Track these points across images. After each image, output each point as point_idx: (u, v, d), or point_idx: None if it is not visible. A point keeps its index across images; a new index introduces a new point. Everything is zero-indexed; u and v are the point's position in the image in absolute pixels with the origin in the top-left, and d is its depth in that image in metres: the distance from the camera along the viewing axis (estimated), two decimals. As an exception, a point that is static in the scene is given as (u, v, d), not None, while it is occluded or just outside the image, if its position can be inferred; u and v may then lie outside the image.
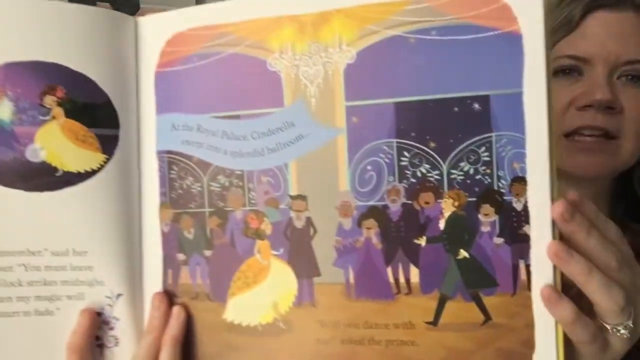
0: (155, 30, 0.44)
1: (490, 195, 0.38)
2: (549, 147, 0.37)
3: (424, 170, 0.40)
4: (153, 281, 0.45)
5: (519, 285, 0.38)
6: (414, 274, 0.40)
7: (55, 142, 0.43)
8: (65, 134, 0.43)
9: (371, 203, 0.41)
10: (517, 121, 0.38)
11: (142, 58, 0.45)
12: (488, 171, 0.38)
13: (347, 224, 0.41)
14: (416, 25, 0.39)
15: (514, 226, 0.38)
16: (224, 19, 0.43)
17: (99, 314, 0.44)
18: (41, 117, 0.43)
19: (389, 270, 0.40)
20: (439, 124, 0.39)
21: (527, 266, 0.38)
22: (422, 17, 0.39)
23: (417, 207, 0.40)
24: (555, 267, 0.37)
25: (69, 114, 0.43)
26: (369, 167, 0.40)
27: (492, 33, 0.38)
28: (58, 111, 0.43)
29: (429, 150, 0.39)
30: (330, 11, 0.40)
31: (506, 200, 0.38)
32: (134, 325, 0.45)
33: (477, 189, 0.39)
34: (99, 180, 0.43)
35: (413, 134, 0.40)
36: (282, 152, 0.42)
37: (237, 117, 0.42)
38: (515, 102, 0.37)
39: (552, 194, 0.37)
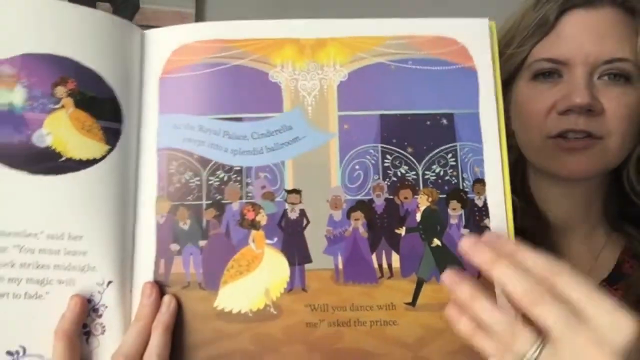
0: (162, 41, 0.49)
1: (457, 193, 0.47)
2: (501, 155, 0.47)
3: (403, 171, 0.47)
4: (144, 271, 0.45)
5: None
6: (395, 259, 0.46)
7: (63, 129, 0.44)
8: (73, 123, 0.45)
9: (359, 197, 0.47)
10: (476, 134, 0.47)
11: (148, 64, 0.48)
12: (455, 173, 0.47)
13: (337, 215, 0.46)
14: (396, 55, 0.48)
15: (477, 219, 0.46)
16: (230, 35, 0.48)
17: (88, 301, 0.44)
18: (51, 106, 0.45)
19: (374, 257, 0.46)
20: (415, 134, 0.47)
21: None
22: (400, 50, 0.49)
23: (398, 202, 0.47)
24: None
25: (78, 104, 0.45)
26: (357, 167, 0.47)
27: (454, 67, 0.48)
28: (68, 101, 0.45)
29: (407, 155, 0.47)
30: (326, 38, 0.48)
31: (470, 197, 0.47)
32: (122, 314, 0.45)
33: (446, 188, 0.47)
34: (100, 169, 0.45)
35: (394, 141, 0.47)
36: (280, 151, 0.47)
37: (239, 119, 0.47)
38: (473, 120, 0.47)
39: (504, 193, 0.46)
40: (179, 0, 1.33)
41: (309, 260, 0.46)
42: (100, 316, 0.44)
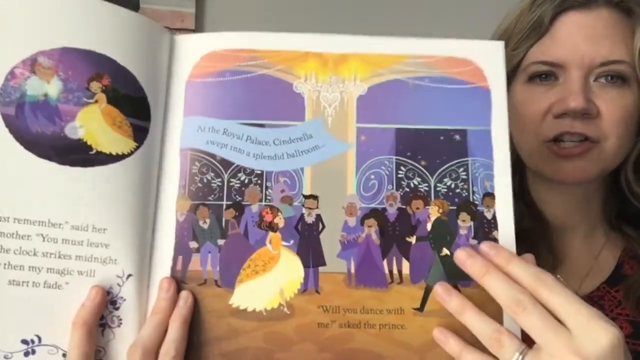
0: (192, 46, 0.51)
1: (467, 206, 0.49)
2: (509, 171, 0.49)
3: (416, 182, 0.49)
4: (162, 266, 0.47)
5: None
6: (405, 266, 0.48)
7: (94, 123, 0.46)
8: (105, 118, 0.46)
9: (373, 205, 0.49)
10: (487, 150, 0.50)
11: (176, 67, 0.50)
12: (465, 187, 0.49)
13: (352, 222, 0.48)
14: (413, 73, 0.51)
15: (485, 231, 0.48)
16: (257, 46, 0.51)
17: (107, 293, 0.45)
18: (85, 99, 0.46)
19: (385, 263, 0.48)
20: (429, 148, 0.50)
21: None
22: (418, 68, 0.51)
23: (410, 212, 0.49)
24: None
25: (111, 100, 0.47)
26: (372, 176, 0.49)
27: (469, 86, 0.51)
28: (101, 96, 0.46)
29: (420, 167, 0.49)
30: (348, 54, 0.51)
31: (479, 210, 0.49)
32: (139, 308, 0.46)
33: (457, 200, 0.49)
34: (127, 164, 0.47)
35: (408, 154, 0.50)
36: (300, 158, 0.49)
37: (262, 125, 0.49)
38: (485, 136, 0.50)
39: (513, 206, 0.49)
40: (179, 0, 1.34)
41: (323, 263, 0.48)
42: (118, 309, 0.46)
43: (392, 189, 0.49)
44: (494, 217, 0.49)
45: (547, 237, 0.69)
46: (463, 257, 0.45)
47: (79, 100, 0.46)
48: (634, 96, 0.63)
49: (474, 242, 0.48)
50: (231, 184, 0.49)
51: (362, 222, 0.48)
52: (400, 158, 0.50)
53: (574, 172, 0.63)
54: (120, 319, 0.46)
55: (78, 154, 0.45)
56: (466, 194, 0.49)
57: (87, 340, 0.44)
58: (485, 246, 0.45)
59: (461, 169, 0.49)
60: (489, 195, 0.49)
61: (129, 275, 0.46)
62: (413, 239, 0.48)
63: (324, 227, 0.48)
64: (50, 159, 0.45)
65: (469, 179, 0.49)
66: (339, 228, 0.48)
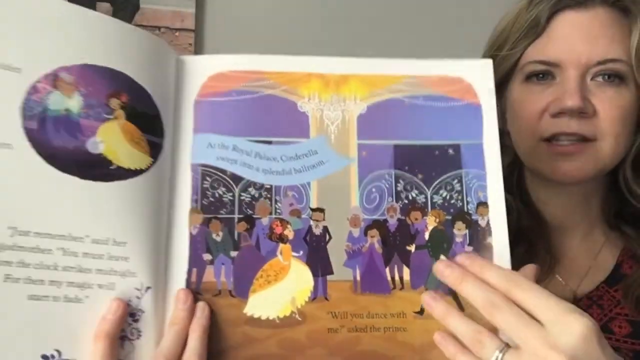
0: (199, 67, 0.53)
1: (462, 215, 0.53)
2: (501, 181, 0.53)
3: (414, 195, 0.53)
4: (177, 278, 0.49)
5: (483, 283, 0.52)
6: (406, 273, 0.52)
7: (114, 139, 0.47)
8: (123, 134, 0.48)
9: (375, 217, 0.52)
10: (479, 162, 0.54)
11: (184, 86, 0.52)
12: (460, 197, 0.53)
13: (356, 232, 0.52)
14: (409, 92, 0.55)
15: (480, 238, 0.52)
16: (262, 67, 0.53)
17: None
18: (105, 115, 0.47)
19: (387, 270, 0.51)
20: (425, 162, 0.54)
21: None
22: (413, 87, 0.55)
23: (409, 222, 0.53)
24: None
25: (129, 117, 0.48)
26: (373, 190, 0.53)
27: (461, 103, 0.55)
28: (120, 113, 0.48)
29: (417, 180, 0.53)
30: (348, 75, 0.54)
31: (474, 219, 0.53)
32: (157, 319, 0.48)
33: (452, 210, 0.53)
34: (144, 179, 0.48)
35: (406, 167, 0.53)
36: (306, 173, 0.52)
37: (269, 142, 0.52)
38: (477, 149, 0.54)
39: (505, 214, 0.53)
40: (179, 0, 1.34)
41: (331, 272, 0.51)
42: (137, 321, 0.47)
43: (392, 201, 0.53)
44: (488, 224, 0.53)
45: (545, 237, 0.69)
46: (441, 268, 0.48)
47: (99, 116, 0.47)
48: (631, 95, 0.63)
49: (470, 248, 0.52)
50: (242, 198, 0.51)
51: (365, 233, 0.52)
52: (399, 172, 0.53)
53: (570, 171, 0.63)
54: (140, 331, 0.47)
55: (99, 169, 0.46)
56: (461, 204, 0.53)
57: (110, 353, 0.44)
58: (460, 257, 0.49)
59: (455, 181, 0.53)
60: (483, 205, 0.53)
61: (148, 288, 0.47)
62: (412, 248, 0.52)
63: (330, 237, 0.52)
64: (71, 173, 0.45)
65: (463, 190, 0.53)
66: (344, 238, 0.52)
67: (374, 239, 0.52)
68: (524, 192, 0.72)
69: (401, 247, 0.52)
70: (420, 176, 0.53)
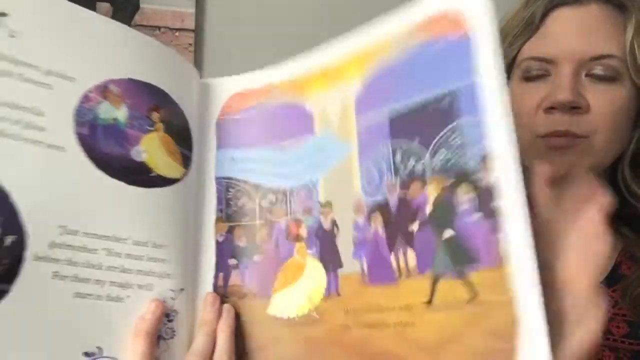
0: (221, 89, 0.57)
1: (464, 175, 0.42)
2: (508, 126, 0.40)
3: (412, 164, 0.45)
4: (206, 282, 0.52)
5: (500, 260, 0.39)
6: (412, 257, 0.44)
7: (155, 149, 0.50)
8: (163, 145, 0.51)
9: (376, 198, 0.47)
10: (476, 106, 0.42)
11: (207, 107, 0.57)
12: (461, 154, 0.42)
13: (361, 219, 0.48)
14: (398, 53, 0.47)
15: (489, 200, 0.40)
16: (271, 80, 0.55)
17: None
18: (147, 127, 0.51)
19: (392, 256, 0.45)
20: (420, 122, 0.45)
21: (504, 240, 0.39)
22: (400, 47, 0.47)
23: (409, 197, 0.45)
24: (532, 241, 0.38)
25: (166, 130, 0.52)
26: (372, 168, 0.47)
27: (448, 41, 0.44)
28: (160, 126, 0.51)
29: (415, 146, 0.45)
30: (345, 57, 0.51)
31: (479, 177, 0.41)
32: (189, 320, 0.50)
33: (454, 172, 0.43)
34: (178, 188, 0.51)
35: (402, 134, 0.46)
36: (314, 169, 0.51)
37: (283, 148, 0.54)
38: (472, 91, 0.42)
39: (518, 168, 0.39)
40: (179, 0, 1.32)
41: (341, 265, 0.48)
42: (172, 321, 0.49)
43: (392, 176, 0.46)
44: (497, 182, 0.40)
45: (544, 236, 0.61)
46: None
47: (142, 127, 0.50)
48: (626, 91, 0.63)
49: (478, 214, 0.41)
50: (262, 205, 0.54)
51: (369, 218, 0.47)
52: (396, 140, 0.46)
53: (562, 165, 0.62)
54: (174, 331, 0.49)
55: (141, 175, 0.49)
56: (463, 162, 0.42)
57: (149, 352, 0.46)
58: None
59: (453, 136, 0.43)
60: (487, 158, 0.41)
61: (182, 289, 0.50)
62: (416, 226, 0.44)
63: (338, 230, 0.49)
64: (118, 178, 0.48)
65: (463, 144, 0.42)
66: (351, 228, 0.48)
67: (377, 224, 0.46)
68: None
69: (404, 227, 0.45)
70: (417, 139, 0.45)
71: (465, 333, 0.40)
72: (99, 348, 0.45)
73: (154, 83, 0.52)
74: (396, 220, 0.45)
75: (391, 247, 0.45)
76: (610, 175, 0.69)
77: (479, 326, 0.39)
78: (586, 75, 0.63)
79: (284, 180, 0.53)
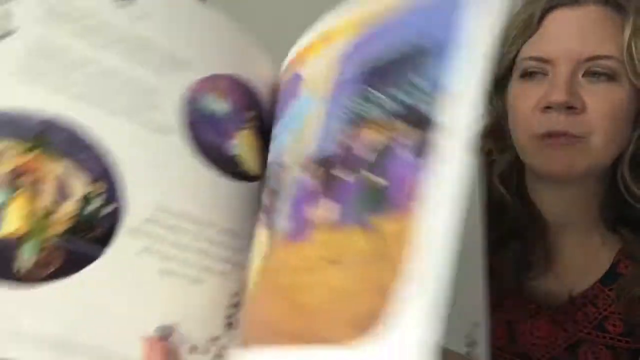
0: None
1: (413, 115, 0.35)
2: (488, 59, 0.32)
3: (370, 111, 0.40)
4: None
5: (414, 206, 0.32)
6: (333, 210, 0.39)
7: (246, 144, 0.51)
8: (253, 143, 0.52)
9: (325, 152, 0.42)
10: (442, 30, 0.36)
11: None
12: (414, 91, 0.36)
13: (305, 178, 0.44)
14: (390, 15, 0.43)
15: (434, 142, 0.33)
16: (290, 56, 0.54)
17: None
18: (241, 124, 0.51)
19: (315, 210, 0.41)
20: (389, 73, 0.40)
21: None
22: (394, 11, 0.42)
23: (356, 146, 0.39)
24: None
25: (256, 129, 0.52)
26: (334, 122, 0.43)
27: None
28: (252, 124, 0.52)
29: (378, 94, 0.40)
30: (335, 29, 0.48)
31: (428, 117, 0.34)
32: None
33: (406, 113, 0.36)
34: (257, 186, 0.51)
35: (368, 85, 0.41)
36: (285, 132, 0.49)
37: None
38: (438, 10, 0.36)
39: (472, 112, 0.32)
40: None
41: (279, 228, 0.45)
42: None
43: (348, 128, 0.40)
44: (451, 121, 0.32)
45: (542, 235, 0.71)
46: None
47: (238, 124, 0.51)
48: (624, 92, 0.64)
49: (420, 161, 0.33)
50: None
51: (313, 173, 0.42)
52: (360, 91, 0.41)
53: (560, 164, 0.64)
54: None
55: (232, 167, 0.49)
56: (414, 102, 0.35)
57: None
58: None
59: (416, 75, 0.36)
60: (444, 95, 0.33)
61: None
62: (352, 178, 0.38)
63: (286, 189, 0.45)
64: (215, 167, 0.48)
65: (417, 82, 0.36)
66: (295, 188, 0.43)
67: (317, 180, 0.41)
68: (523, 191, 0.73)
69: (340, 179, 0.38)
70: (380, 87, 0.39)
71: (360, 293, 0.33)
72: (171, 326, 0.46)
73: (251, 84, 0.53)
74: (337, 172, 0.39)
75: (314, 201, 0.40)
76: (610, 176, 0.69)
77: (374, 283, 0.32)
78: (583, 75, 0.64)
79: (280, 156, 0.50)
